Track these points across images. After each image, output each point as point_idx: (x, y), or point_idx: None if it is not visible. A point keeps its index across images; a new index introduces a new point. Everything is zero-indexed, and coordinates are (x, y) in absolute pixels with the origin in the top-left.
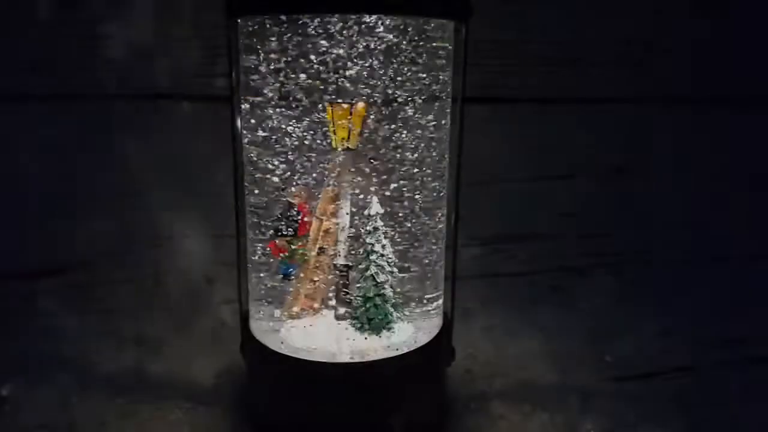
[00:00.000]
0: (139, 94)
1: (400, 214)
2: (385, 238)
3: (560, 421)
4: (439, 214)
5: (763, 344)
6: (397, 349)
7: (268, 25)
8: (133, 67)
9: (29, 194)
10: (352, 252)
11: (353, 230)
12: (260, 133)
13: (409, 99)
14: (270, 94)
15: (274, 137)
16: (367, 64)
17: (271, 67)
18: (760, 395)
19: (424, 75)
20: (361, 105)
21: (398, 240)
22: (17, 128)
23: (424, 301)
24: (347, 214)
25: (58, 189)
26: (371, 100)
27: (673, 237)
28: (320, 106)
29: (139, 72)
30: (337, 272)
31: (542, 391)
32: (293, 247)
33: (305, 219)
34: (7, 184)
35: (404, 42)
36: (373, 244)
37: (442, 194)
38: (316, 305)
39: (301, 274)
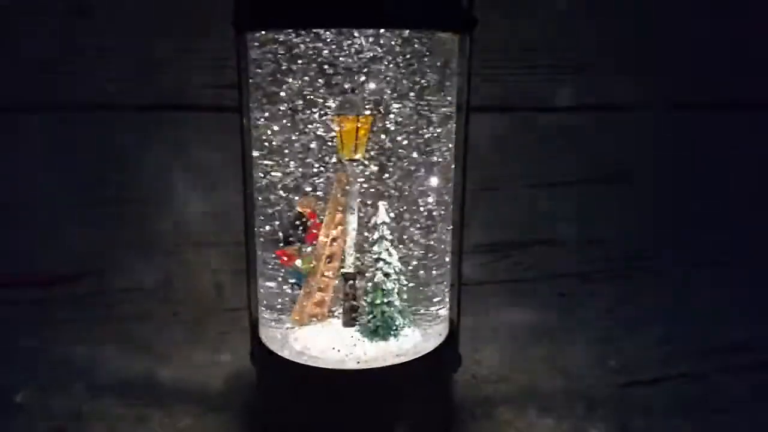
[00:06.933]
0: (150, 105)
1: (407, 222)
2: (391, 246)
3: (566, 427)
4: (445, 222)
5: (766, 350)
6: (404, 356)
7: (275, 39)
8: (143, 77)
9: (40, 202)
10: (359, 260)
11: (360, 238)
12: (269, 143)
13: (415, 109)
14: (278, 105)
15: (282, 148)
16: (372, 76)
17: (279, 79)
18: (764, 401)
19: (429, 85)
20: (367, 116)
21: (404, 248)
22: (28, 138)
23: (430, 308)
24: (354, 222)
25: (69, 197)
26: (377, 111)
27: (676, 242)
28: (328, 116)
29: (149, 83)
30: (345, 280)
31: (547, 397)
32: (301, 255)
33: (313, 228)
34: (18, 192)
35: (409, 53)
36: (379, 252)
37: (447, 202)
38: (324, 312)
39: (310, 282)
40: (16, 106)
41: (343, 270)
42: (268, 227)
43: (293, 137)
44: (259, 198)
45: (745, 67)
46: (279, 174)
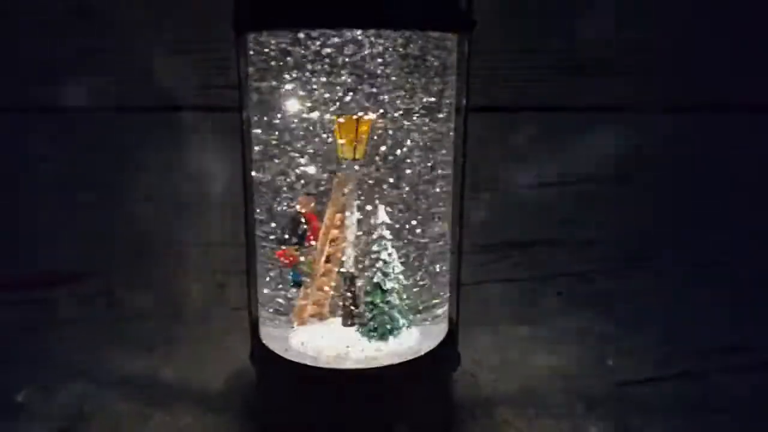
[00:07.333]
0: (152, 106)
1: (406, 222)
2: (391, 246)
3: (565, 426)
4: (444, 222)
5: (766, 350)
6: (403, 356)
7: (275, 39)
8: (143, 78)
9: (44, 203)
10: (359, 260)
11: (360, 239)
12: (268, 143)
13: (414, 109)
14: (278, 106)
15: (281, 148)
16: (372, 77)
17: (279, 80)
18: (764, 401)
19: (429, 86)
20: (367, 117)
21: (404, 247)
22: (33, 138)
23: (430, 308)
24: (354, 223)
25: (72, 198)
26: (377, 111)
27: (676, 242)
28: (328, 117)
29: (149, 83)
30: (344, 280)
31: (547, 397)
32: (301, 255)
33: (313, 228)
34: (23, 192)
35: (408, 54)
36: (379, 252)
37: (446, 202)
38: (323, 312)
39: (310, 282)
40: (16, 106)
41: (342, 270)
42: (268, 227)
43: (293, 138)
44: (259, 198)
45: (745, 68)
46: (279, 175)
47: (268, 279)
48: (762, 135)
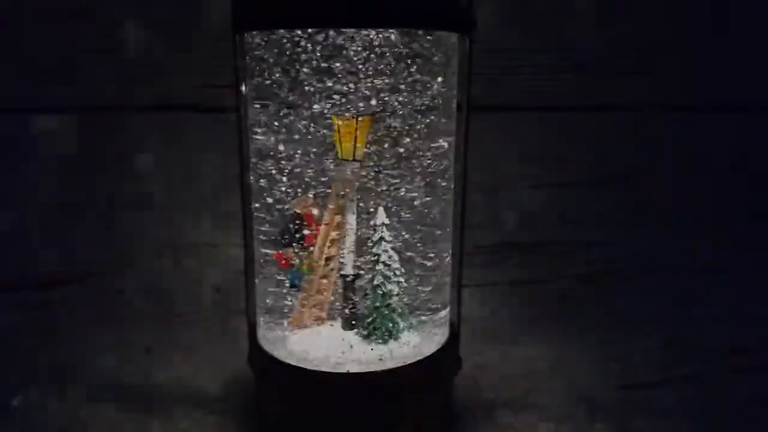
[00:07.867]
0: (149, 106)
1: (406, 224)
2: (391, 247)
3: (567, 429)
4: (445, 223)
5: (766, 350)
6: (404, 359)
7: (273, 39)
8: (142, 79)
9: (41, 205)
10: (359, 262)
11: (359, 240)
12: (267, 143)
13: (414, 109)
14: (277, 106)
15: (280, 148)
16: (371, 77)
17: (278, 79)
18: (764, 401)
19: (429, 85)
20: (366, 117)
21: (404, 249)
22: (32, 139)
23: (431, 310)
24: (353, 224)
25: (69, 199)
26: (376, 111)
27: (676, 242)
28: (326, 117)
29: (148, 83)
30: (344, 282)
31: (548, 400)
32: (300, 257)
33: (312, 229)
34: (20, 194)
35: (408, 54)
36: (379, 254)
37: (447, 203)
38: (323, 315)
39: (308, 284)
40: (16, 107)
41: (342, 272)
42: (266, 229)
43: (291, 138)
44: (258, 199)
45: (745, 68)
46: (277, 175)
47: (266, 281)
48: (762, 135)
